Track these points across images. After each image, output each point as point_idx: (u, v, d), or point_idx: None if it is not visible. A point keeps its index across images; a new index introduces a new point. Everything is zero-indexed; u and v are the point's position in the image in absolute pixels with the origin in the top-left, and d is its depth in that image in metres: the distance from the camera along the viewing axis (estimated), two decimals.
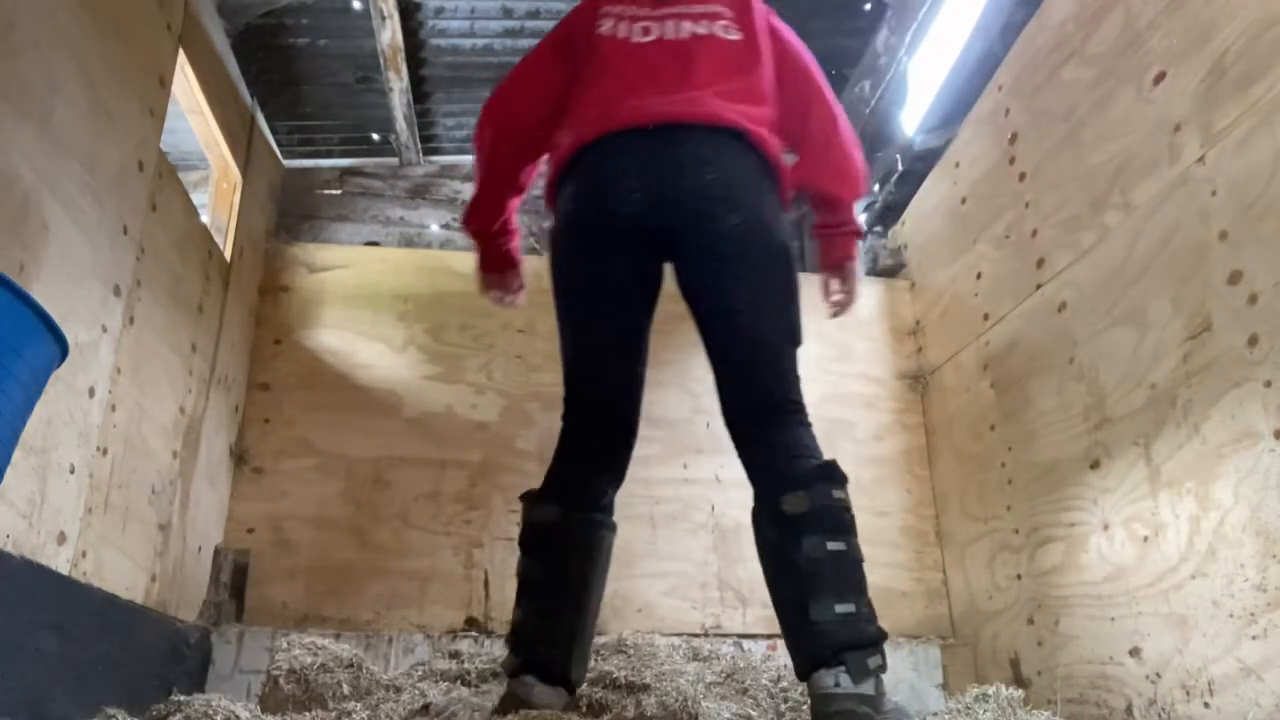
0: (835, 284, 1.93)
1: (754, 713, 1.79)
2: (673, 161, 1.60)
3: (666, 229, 1.62)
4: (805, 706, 1.79)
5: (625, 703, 1.77)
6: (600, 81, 1.73)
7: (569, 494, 1.65)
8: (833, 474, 1.52)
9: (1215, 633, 1.73)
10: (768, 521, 1.53)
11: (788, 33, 1.90)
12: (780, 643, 2.67)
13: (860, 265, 1.88)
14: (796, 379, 1.63)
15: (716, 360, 1.64)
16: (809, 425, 1.61)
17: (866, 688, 1.37)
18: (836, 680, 1.37)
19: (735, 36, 1.79)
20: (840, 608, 1.41)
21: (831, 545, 1.44)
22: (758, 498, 1.57)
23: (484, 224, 1.93)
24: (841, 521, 1.49)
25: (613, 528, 1.70)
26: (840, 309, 1.94)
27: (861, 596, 1.44)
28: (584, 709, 1.79)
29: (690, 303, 1.68)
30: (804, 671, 1.44)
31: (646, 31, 1.77)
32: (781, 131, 1.79)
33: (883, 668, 1.41)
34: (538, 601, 1.60)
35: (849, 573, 1.45)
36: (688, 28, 1.77)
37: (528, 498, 1.68)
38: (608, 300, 1.67)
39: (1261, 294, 1.66)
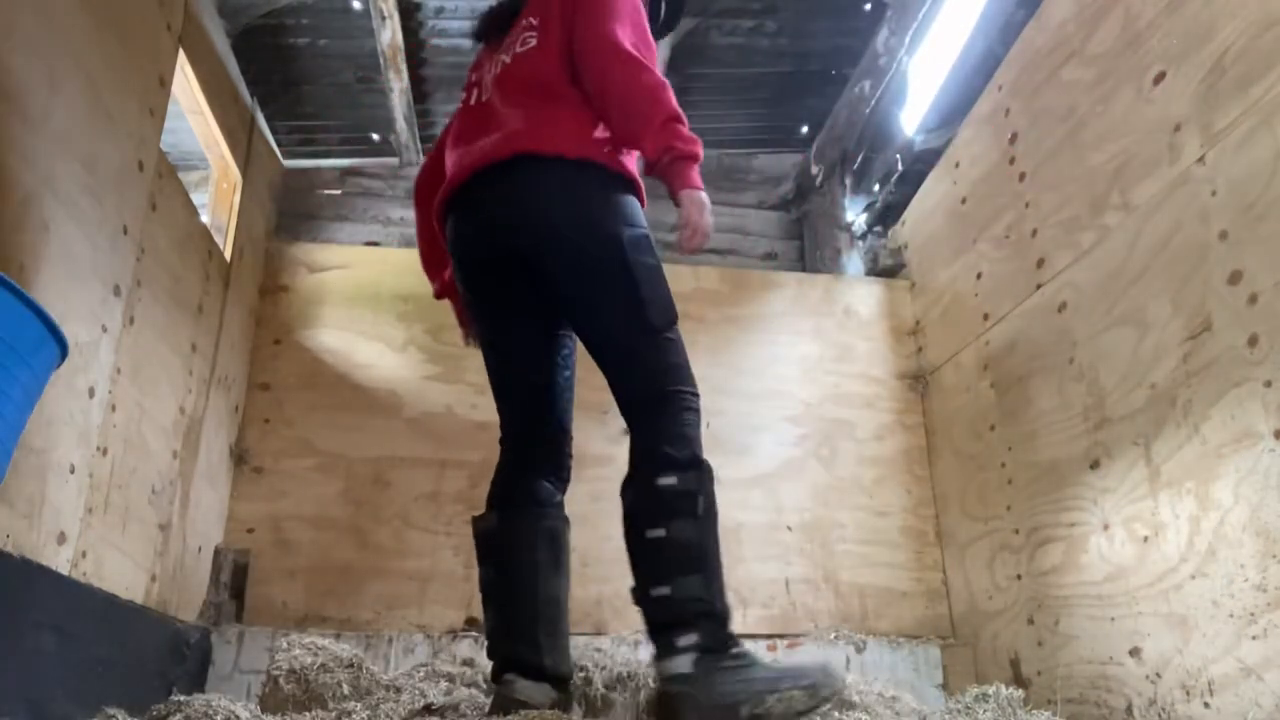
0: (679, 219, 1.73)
1: None
2: (479, 209, 1.76)
3: (506, 260, 1.75)
4: None
5: (624, 700, 1.78)
6: (450, 150, 1.90)
7: (504, 498, 1.77)
8: (659, 461, 1.58)
9: (1215, 633, 1.73)
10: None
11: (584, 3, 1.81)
12: (781, 642, 2.70)
13: (700, 202, 1.68)
14: (660, 366, 1.67)
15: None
16: (678, 411, 1.65)
17: (681, 665, 1.44)
18: (656, 659, 1.49)
19: (531, 45, 1.83)
20: (655, 591, 1.51)
21: (650, 534, 1.54)
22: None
23: (441, 285, 2.11)
24: (663, 509, 1.55)
25: (556, 518, 1.77)
26: (685, 246, 1.72)
27: (682, 578, 1.51)
28: (584, 707, 1.79)
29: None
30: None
31: (487, 85, 1.88)
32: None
33: (701, 645, 1.46)
34: (496, 603, 1.67)
35: (668, 557, 1.53)
36: (501, 60, 1.87)
37: (474, 517, 1.80)
38: (495, 320, 1.83)
39: (1261, 294, 1.66)
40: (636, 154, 1.82)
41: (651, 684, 1.82)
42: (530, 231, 1.70)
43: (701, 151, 1.70)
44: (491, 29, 1.98)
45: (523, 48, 1.83)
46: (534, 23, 1.85)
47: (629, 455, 1.66)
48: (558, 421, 1.81)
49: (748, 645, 1.47)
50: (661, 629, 1.50)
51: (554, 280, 1.71)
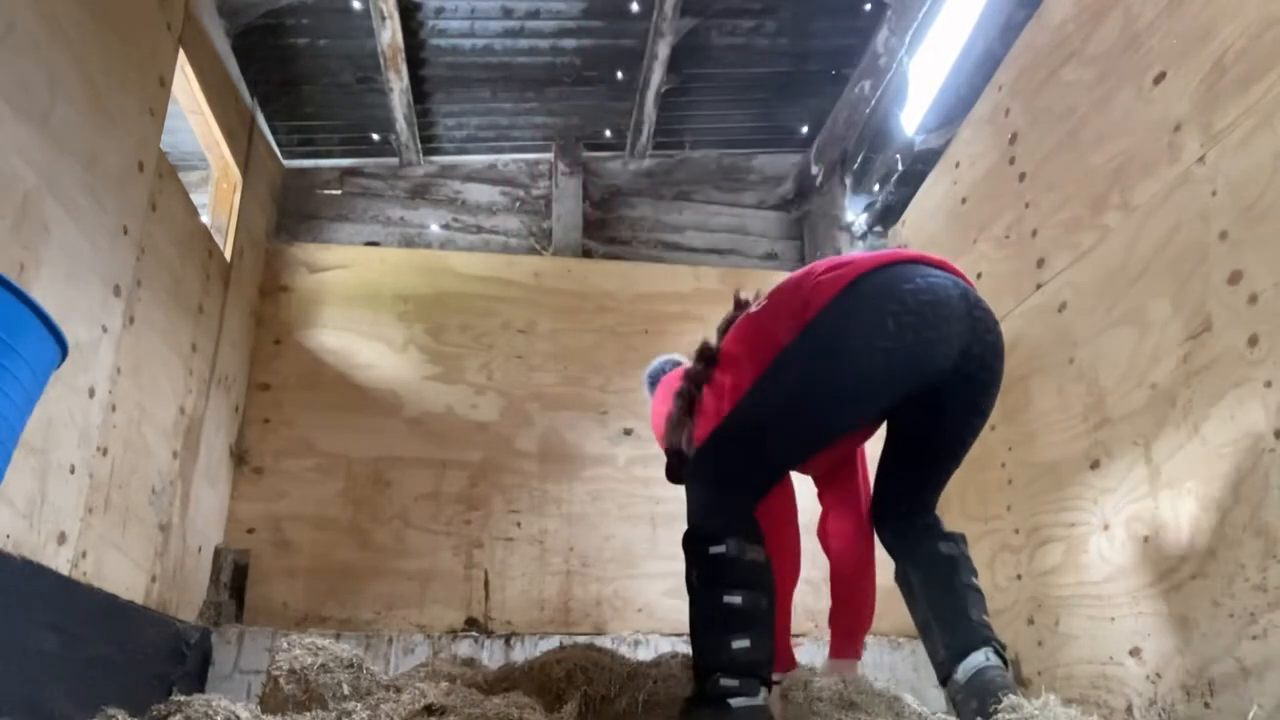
0: None
1: None
2: (982, 320, 1.70)
3: (955, 372, 1.68)
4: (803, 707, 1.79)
5: (621, 698, 1.79)
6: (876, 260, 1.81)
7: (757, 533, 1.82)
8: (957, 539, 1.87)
9: (1215, 633, 1.73)
10: (928, 560, 1.85)
11: None
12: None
13: None
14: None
15: (923, 467, 1.89)
16: None
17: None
18: (987, 658, 1.70)
19: None
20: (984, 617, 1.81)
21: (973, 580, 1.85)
22: (912, 551, 1.88)
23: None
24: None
25: None
26: None
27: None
28: (584, 707, 1.79)
29: (929, 428, 1.82)
30: (959, 656, 1.74)
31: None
32: None
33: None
34: (760, 629, 1.73)
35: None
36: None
37: (729, 540, 1.77)
38: (860, 413, 1.79)
39: (1261, 294, 1.66)
40: None
41: (652, 684, 1.83)
42: (998, 360, 1.77)
43: None
44: None
45: None
46: None
47: (918, 531, 1.87)
48: None
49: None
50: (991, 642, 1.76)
51: (982, 400, 1.80)
